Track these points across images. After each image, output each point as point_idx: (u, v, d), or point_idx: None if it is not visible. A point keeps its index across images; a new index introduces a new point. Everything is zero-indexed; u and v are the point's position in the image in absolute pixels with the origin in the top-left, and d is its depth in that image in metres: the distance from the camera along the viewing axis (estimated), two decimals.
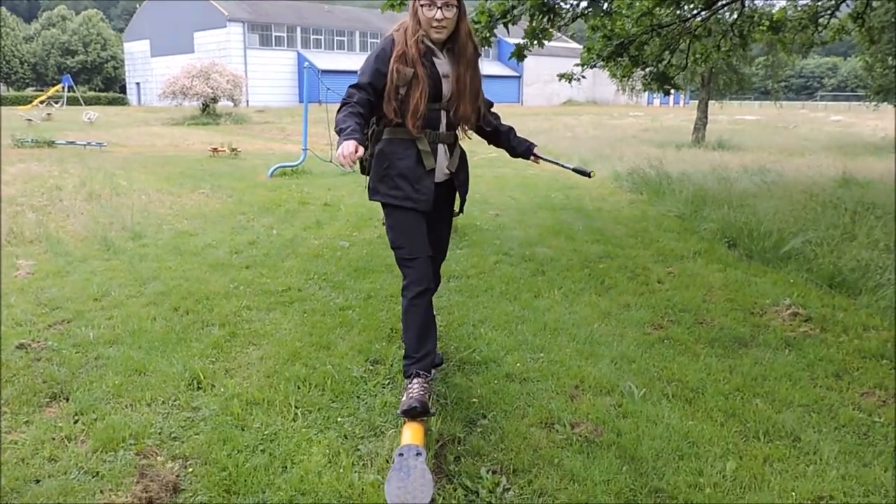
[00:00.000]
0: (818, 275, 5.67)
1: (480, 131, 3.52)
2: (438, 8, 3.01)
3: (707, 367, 3.92)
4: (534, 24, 6.96)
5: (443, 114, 3.19)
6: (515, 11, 6.63)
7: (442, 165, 3.26)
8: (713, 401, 3.49)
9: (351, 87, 3.15)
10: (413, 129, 3.10)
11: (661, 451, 3.00)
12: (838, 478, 2.84)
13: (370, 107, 3.14)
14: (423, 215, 3.23)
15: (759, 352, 4.16)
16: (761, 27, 8.78)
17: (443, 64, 3.15)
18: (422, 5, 3.04)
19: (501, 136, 3.55)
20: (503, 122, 3.59)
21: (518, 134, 3.60)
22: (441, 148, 3.25)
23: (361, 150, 2.85)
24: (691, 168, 12.43)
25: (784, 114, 43.31)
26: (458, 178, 3.35)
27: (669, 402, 3.47)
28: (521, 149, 3.54)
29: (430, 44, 3.11)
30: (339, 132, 2.99)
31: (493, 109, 3.55)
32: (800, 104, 71.02)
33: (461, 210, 3.52)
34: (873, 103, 24.09)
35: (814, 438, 3.14)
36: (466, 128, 3.34)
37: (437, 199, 3.27)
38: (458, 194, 3.45)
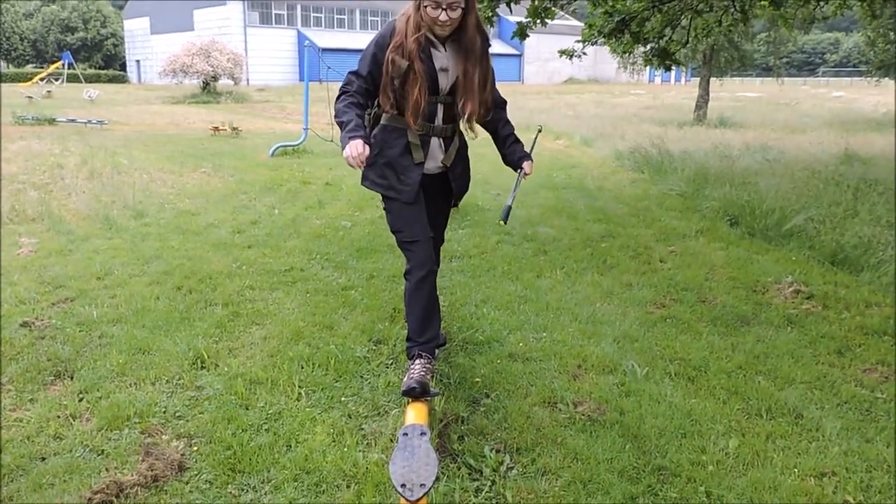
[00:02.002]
0: (820, 252, 5.67)
1: (485, 126, 3.41)
2: (444, 10, 2.89)
3: (709, 345, 3.93)
4: (536, 3, 6.90)
5: (440, 107, 3.12)
6: None
7: (436, 158, 3.20)
8: (716, 379, 3.50)
9: (350, 73, 3.11)
10: (414, 125, 3.05)
11: (664, 429, 3.02)
12: (840, 454, 2.85)
13: (368, 95, 3.11)
14: (420, 201, 3.20)
15: (762, 329, 4.17)
16: (763, 2, 8.70)
17: (441, 57, 3.05)
18: (425, 6, 2.91)
19: (498, 140, 3.43)
20: (508, 114, 3.49)
21: (515, 139, 3.41)
22: (435, 141, 3.18)
23: (367, 149, 2.86)
24: (693, 146, 12.39)
25: (786, 90, 43.06)
26: (454, 172, 3.29)
27: (672, 381, 3.48)
28: (512, 159, 3.38)
29: (431, 36, 3.01)
30: (340, 125, 2.99)
31: (503, 108, 3.42)
32: (801, 80, 70.70)
33: (456, 204, 3.48)
34: (875, 79, 23.99)
35: (816, 415, 3.15)
36: (472, 124, 3.23)
37: (431, 189, 3.24)
38: (453, 188, 3.36)
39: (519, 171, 3.36)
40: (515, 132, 3.43)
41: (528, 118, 20.32)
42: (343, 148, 2.88)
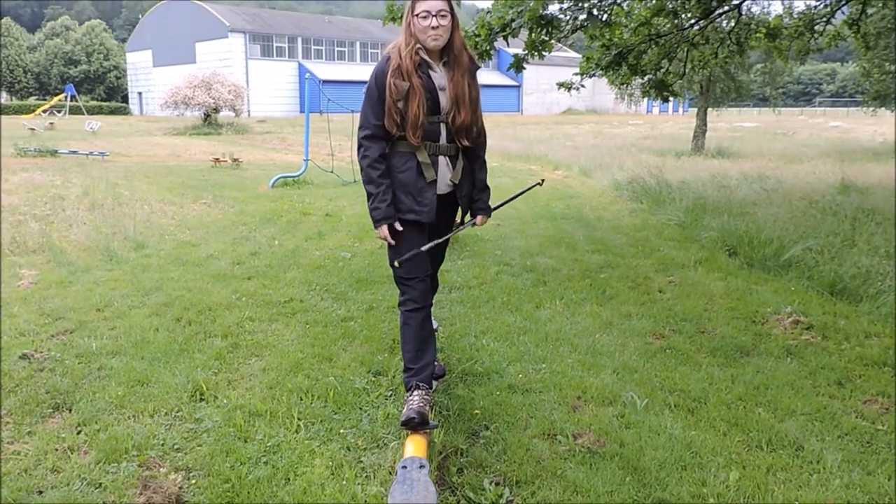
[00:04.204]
0: (819, 282, 5.68)
1: (468, 159, 3.38)
2: (434, 16, 3.05)
3: (709, 376, 3.92)
4: (533, 37, 6.98)
5: (442, 126, 3.19)
6: (514, 25, 6.65)
7: (444, 177, 3.25)
8: (716, 410, 3.49)
9: (364, 114, 3.17)
10: (414, 140, 3.11)
11: (664, 461, 3.00)
12: (842, 486, 2.84)
13: (386, 138, 3.17)
14: (424, 232, 3.25)
15: (761, 360, 4.16)
16: (758, 34, 8.82)
17: (439, 77, 3.15)
18: (416, 15, 3.07)
19: (471, 178, 3.43)
20: (487, 163, 3.53)
21: (484, 186, 3.45)
22: (442, 160, 3.24)
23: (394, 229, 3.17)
24: (691, 176, 12.45)
25: (783, 120, 43.42)
26: (461, 191, 3.34)
27: (672, 412, 3.47)
28: (474, 206, 3.43)
29: (425, 56, 3.13)
30: (367, 193, 3.18)
31: (484, 146, 3.45)
32: (798, 110, 71.33)
33: (462, 222, 3.52)
34: (871, 108, 24.18)
35: (817, 447, 3.14)
36: (465, 140, 3.23)
37: (439, 209, 3.28)
38: (460, 206, 3.44)
39: (471, 219, 3.47)
40: (486, 180, 3.50)
41: (527, 148, 20.48)
42: (373, 220, 3.20)
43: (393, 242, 3.20)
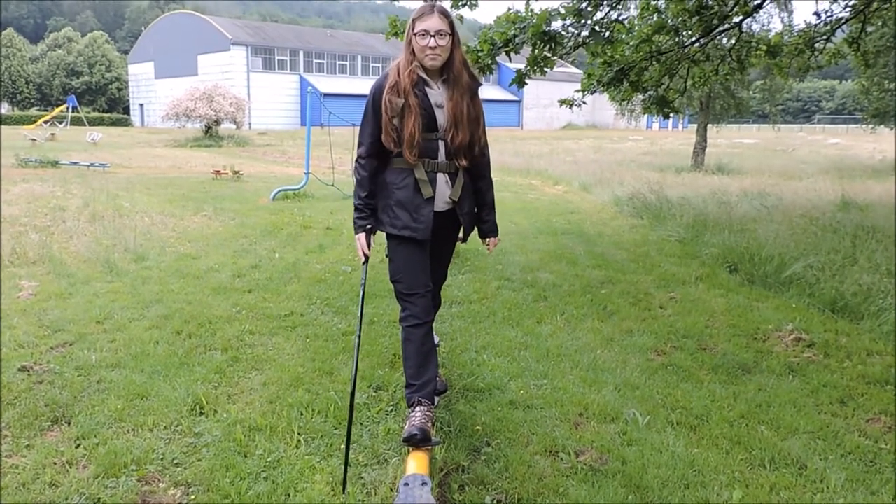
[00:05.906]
0: (820, 300, 5.67)
1: (472, 179, 3.40)
2: (432, 36, 3.05)
3: (711, 393, 3.91)
4: (535, 53, 7.01)
5: (440, 143, 3.19)
6: (517, 40, 6.68)
7: (443, 194, 3.25)
8: (718, 428, 3.47)
9: (360, 130, 3.26)
10: (410, 157, 3.12)
11: (667, 479, 2.98)
12: None
13: (380, 155, 3.24)
14: (424, 248, 3.24)
15: (763, 378, 4.15)
16: (758, 52, 8.86)
17: (436, 94, 3.15)
18: (415, 34, 3.08)
19: (476, 203, 3.47)
20: (493, 183, 3.59)
21: (492, 210, 3.53)
22: (441, 177, 3.23)
23: (368, 243, 3.28)
24: (691, 192, 12.47)
25: (782, 137, 43.56)
26: (462, 209, 3.32)
27: (674, 430, 3.46)
28: (483, 228, 3.54)
29: (423, 74, 3.14)
30: (354, 209, 3.29)
31: (488, 165, 3.49)
32: (798, 127, 71.61)
33: (465, 239, 3.51)
34: (870, 126, 24.27)
35: (820, 466, 3.12)
36: (464, 160, 3.23)
37: (439, 227, 3.27)
38: (462, 225, 3.41)
39: (484, 242, 3.61)
40: (494, 200, 3.57)
41: (527, 163, 20.53)
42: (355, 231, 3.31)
43: (367, 252, 3.27)
